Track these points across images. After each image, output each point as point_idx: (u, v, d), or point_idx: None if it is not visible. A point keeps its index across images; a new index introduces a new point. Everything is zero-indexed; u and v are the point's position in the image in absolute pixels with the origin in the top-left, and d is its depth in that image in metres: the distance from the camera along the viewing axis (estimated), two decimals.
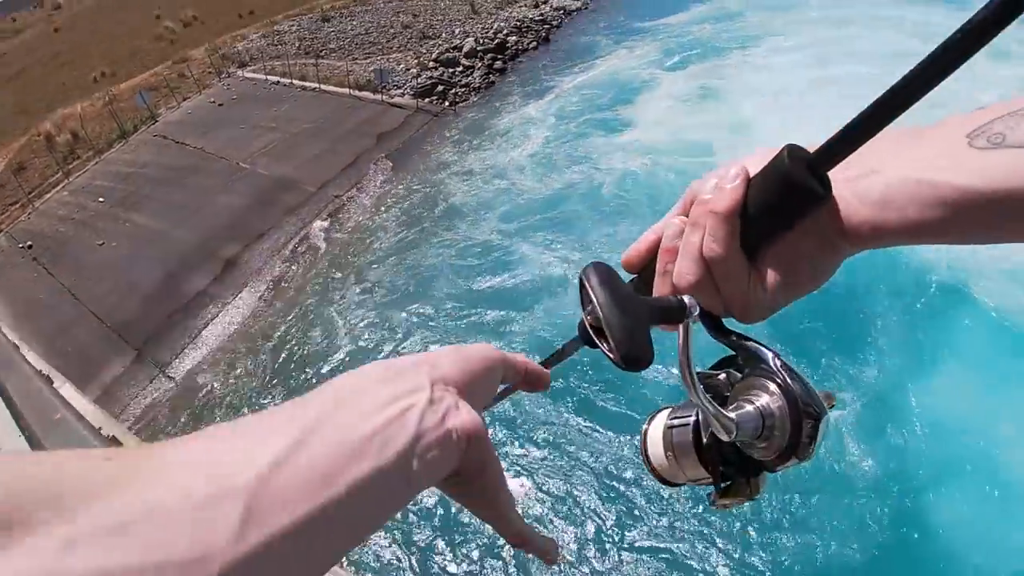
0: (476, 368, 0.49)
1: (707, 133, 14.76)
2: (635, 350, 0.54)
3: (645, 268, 0.67)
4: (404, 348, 10.60)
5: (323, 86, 21.22)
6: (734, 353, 0.62)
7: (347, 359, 10.68)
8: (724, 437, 0.57)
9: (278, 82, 22.18)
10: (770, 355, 0.58)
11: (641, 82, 18.69)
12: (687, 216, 0.60)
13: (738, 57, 19.79)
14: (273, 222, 14.48)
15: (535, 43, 24.45)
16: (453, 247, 12.83)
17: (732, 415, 0.57)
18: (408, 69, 21.68)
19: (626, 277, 0.66)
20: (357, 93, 20.52)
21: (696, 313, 0.58)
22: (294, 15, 28.63)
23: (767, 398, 0.57)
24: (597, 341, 0.58)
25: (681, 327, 0.58)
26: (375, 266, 12.76)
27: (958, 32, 0.38)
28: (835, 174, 0.53)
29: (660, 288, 0.63)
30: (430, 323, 11.09)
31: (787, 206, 0.54)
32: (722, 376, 0.63)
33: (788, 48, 20.83)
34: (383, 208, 14.57)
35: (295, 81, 21.96)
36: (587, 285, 0.57)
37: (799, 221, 0.54)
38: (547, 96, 18.60)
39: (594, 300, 0.56)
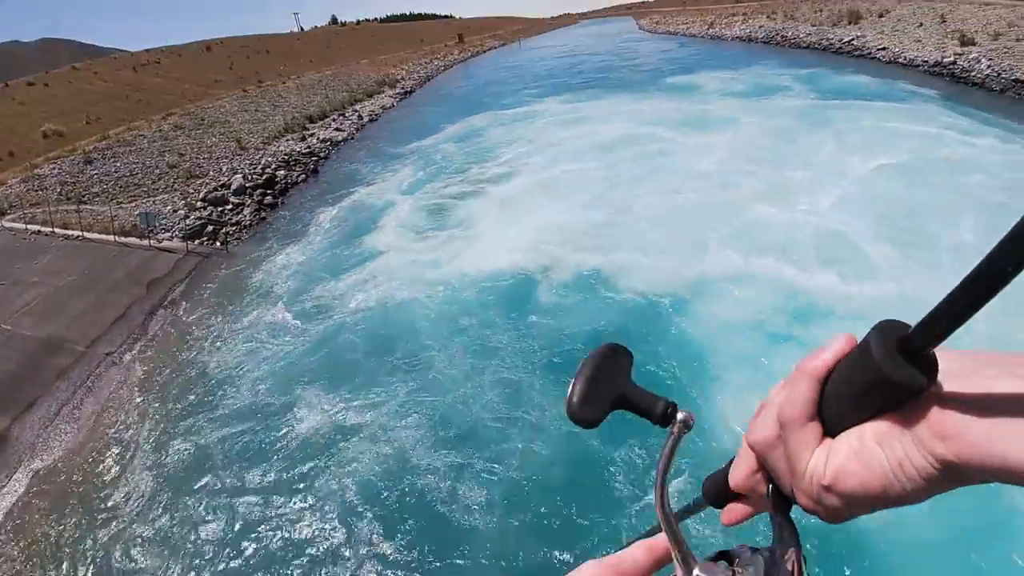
0: None
1: (441, 251, 16.29)
2: (576, 410, 0.58)
3: None
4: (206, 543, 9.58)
5: (87, 234, 21.28)
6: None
7: (145, 553, 9.67)
8: (679, 573, 0.56)
9: (39, 231, 21.90)
10: (792, 549, 0.53)
11: (390, 207, 20.34)
12: None
13: (475, 171, 22.38)
14: (42, 389, 14.28)
15: (304, 176, 25.83)
16: (229, 421, 12.18)
17: (698, 559, 0.56)
18: (176, 210, 22.26)
19: None
20: (123, 239, 20.81)
21: (688, 425, 0.59)
22: (55, 157, 28.22)
23: None
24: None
25: (669, 436, 0.59)
26: (153, 442, 12.11)
27: None
28: (958, 363, 0.44)
29: (743, 444, 0.61)
30: (216, 512, 10.10)
31: (869, 391, 0.46)
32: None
33: (522, 154, 23.88)
34: (156, 370, 14.44)
35: (57, 229, 21.79)
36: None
37: (888, 410, 0.46)
38: (312, 232, 19.75)
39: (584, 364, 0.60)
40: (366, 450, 10.70)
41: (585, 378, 0.58)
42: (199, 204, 22.33)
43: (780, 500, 0.56)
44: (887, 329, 0.45)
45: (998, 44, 37.87)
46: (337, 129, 32.57)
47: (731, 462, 0.65)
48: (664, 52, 67.04)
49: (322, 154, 28.33)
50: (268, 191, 23.72)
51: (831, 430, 0.51)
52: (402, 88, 53.06)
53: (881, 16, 55.17)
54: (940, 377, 0.44)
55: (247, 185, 23.61)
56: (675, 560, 0.56)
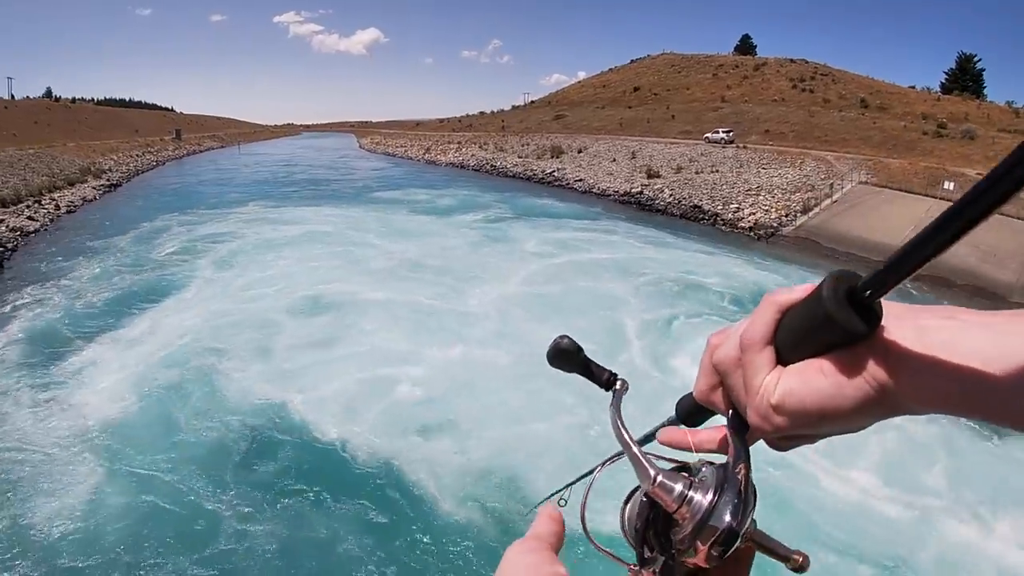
0: None
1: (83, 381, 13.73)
2: (552, 357, 0.79)
3: None
4: None
5: None
6: None
7: None
8: (644, 484, 0.66)
9: None
10: (742, 464, 0.61)
11: (56, 319, 17.55)
12: None
13: (149, 273, 22.35)
14: None
15: None
16: None
17: (656, 467, 0.65)
18: None
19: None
20: None
21: (625, 388, 0.80)
22: None
23: (701, 494, 0.61)
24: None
25: (614, 396, 0.79)
26: None
27: None
28: (900, 311, 0.52)
29: (704, 359, 0.69)
30: None
31: (817, 328, 0.54)
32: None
33: (198, 256, 24.81)
34: None
35: None
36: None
37: (830, 350, 0.54)
38: None
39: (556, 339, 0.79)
40: None
41: (558, 345, 0.80)
42: None
43: (738, 423, 0.64)
44: (840, 278, 0.53)
45: (679, 176, 45.87)
46: (30, 218, 31.35)
47: None
48: (380, 170, 71.95)
49: (10, 245, 26.16)
50: None
51: (784, 359, 0.58)
52: (108, 180, 51.33)
53: (580, 152, 63.98)
54: (883, 319, 0.52)
55: None
56: (637, 475, 0.67)
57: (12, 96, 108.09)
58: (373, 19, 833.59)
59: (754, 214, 35.30)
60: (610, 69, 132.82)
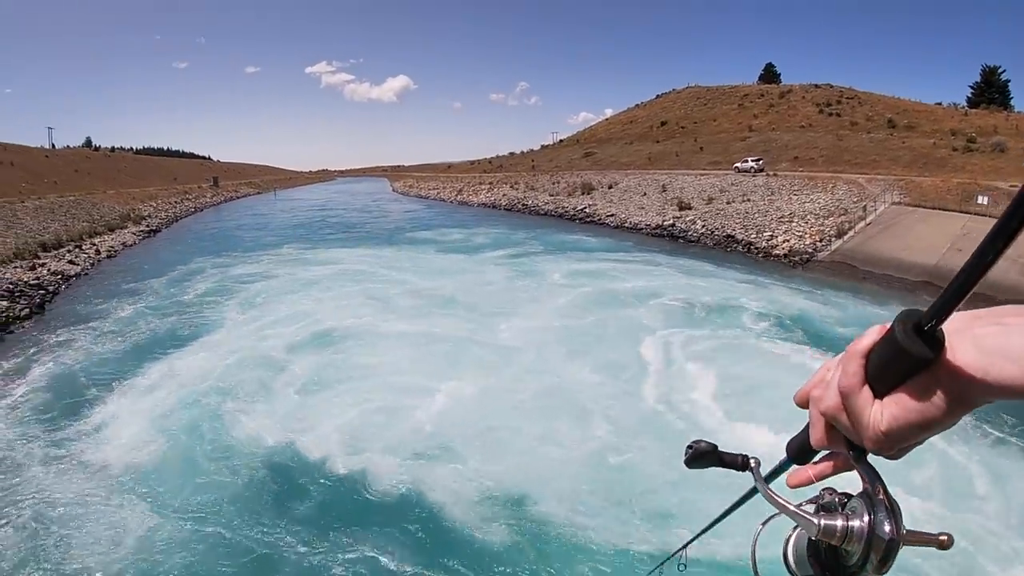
0: None
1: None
2: (690, 461, 1.03)
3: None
4: None
5: None
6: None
7: None
8: (810, 533, 0.77)
9: None
10: (878, 484, 0.71)
11: (105, 369, 17.07)
12: None
13: (176, 319, 22.19)
14: None
15: (28, 311, 22.92)
16: None
17: (814, 514, 0.77)
18: None
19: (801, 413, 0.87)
20: None
21: (758, 464, 1.00)
22: None
23: (859, 520, 0.71)
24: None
25: (753, 473, 0.98)
26: None
27: None
28: (959, 324, 0.64)
29: (811, 412, 0.81)
30: None
31: (896, 360, 0.65)
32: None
33: (226, 296, 24.39)
34: None
35: None
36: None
37: (912, 375, 0.65)
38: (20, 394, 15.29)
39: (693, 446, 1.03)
40: None
41: (696, 450, 1.03)
42: None
43: (858, 452, 0.75)
44: (907, 319, 0.64)
45: (711, 207, 45.66)
46: (71, 262, 31.92)
47: (805, 428, 0.87)
48: (413, 212, 72.78)
49: (52, 288, 26.35)
50: None
51: (878, 392, 0.69)
52: (147, 226, 52.44)
53: (610, 187, 63.85)
54: (947, 331, 0.63)
55: None
56: (803, 527, 0.79)
57: (53, 145, 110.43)
58: (402, 67, 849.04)
59: (788, 241, 34.95)
60: (637, 105, 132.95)
